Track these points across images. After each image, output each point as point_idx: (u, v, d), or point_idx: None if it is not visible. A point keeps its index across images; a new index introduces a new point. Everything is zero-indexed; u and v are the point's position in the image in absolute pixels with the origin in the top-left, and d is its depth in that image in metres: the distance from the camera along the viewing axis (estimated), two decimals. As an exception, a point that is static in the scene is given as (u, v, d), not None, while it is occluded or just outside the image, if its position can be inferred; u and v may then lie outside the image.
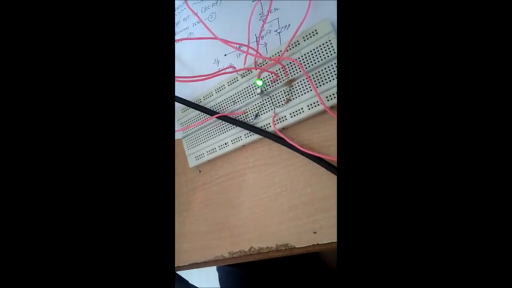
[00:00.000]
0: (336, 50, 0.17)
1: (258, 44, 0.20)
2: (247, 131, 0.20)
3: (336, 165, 0.17)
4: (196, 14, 0.23)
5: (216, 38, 0.21)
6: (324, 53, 0.17)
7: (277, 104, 0.19)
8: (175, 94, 0.23)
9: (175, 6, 0.26)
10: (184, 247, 0.23)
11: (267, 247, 0.19)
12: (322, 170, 0.18)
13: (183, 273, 0.26)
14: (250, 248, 0.20)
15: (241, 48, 0.21)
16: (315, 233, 0.18)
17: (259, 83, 0.19)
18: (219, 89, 0.21)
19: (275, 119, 0.19)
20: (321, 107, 0.18)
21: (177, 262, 0.23)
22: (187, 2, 0.24)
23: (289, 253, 0.19)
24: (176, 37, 0.25)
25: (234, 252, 0.21)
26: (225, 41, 0.20)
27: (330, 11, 0.18)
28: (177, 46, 0.25)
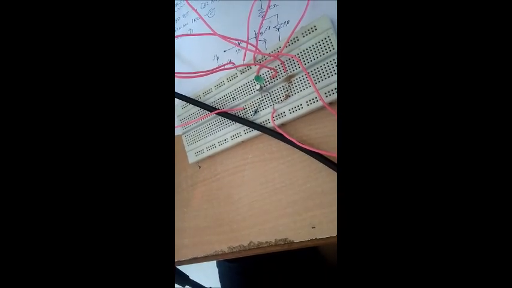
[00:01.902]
0: (334, 46, 0.17)
1: (257, 40, 0.20)
2: (247, 127, 0.20)
3: (334, 160, 0.17)
4: (195, 10, 0.23)
5: (215, 34, 0.21)
6: (323, 49, 0.18)
7: (277, 100, 0.19)
8: (177, 90, 0.23)
9: (176, 2, 0.26)
10: (185, 242, 0.23)
11: (266, 242, 0.20)
12: (321, 166, 0.18)
13: (183, 268, 0.27)
14: (250, 242, 0.20)
15: (240, 45, 0.21)
16: (313, 227, 0.18)
17: (259, 79, 0.19)
18: (218, 85, 0.21)
19: (274, 115, 0.19)
20: (319, 103, 0.18)
21: (178, 257, 0.24)
22: (187, -2, 0.24)
23: (288, 248, 0.19)
24: (176, 33, 0.25)
25: (234, 247, 0.21)
26: (224, 37, 0.20)
27: (329, 8, 0.18)
28: (177, 42, 0.25)
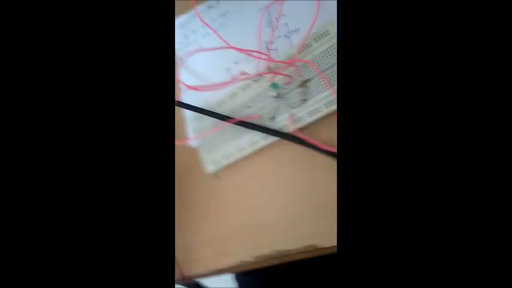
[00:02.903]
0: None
1: (269, 50, 0.21)
2: (265, 134, 0.20)
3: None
4: (208, 25, 0.24)
5: (229, 47, 0.22)
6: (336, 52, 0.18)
7: (294, 105, 0.19)
8: (190, 103, 0.23)
9: (184, 20, 0.27)
10: (207, 254, 0.23)
11: (293, 249, 0.19)
12: (344, 167, 0.18)
13: (206, 281, 0.26)
14: (275, 251, 0.20)
15: (252, 55, 0.22)
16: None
17: (275, 86, 0.20)
18: (233, 96, 0.22)
19: (292, 120, 0.19)
20: (338, 105, 0.18)
21: (200, 269, 0.23)
22: (197, 13, 0.25)
23: (316, 254, 0.19)
24: (186, 50, 0.26)
25: (259, 256, 0.21)
26: (238, 49, 0.21)
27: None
28: (190, 58, 0.25)
